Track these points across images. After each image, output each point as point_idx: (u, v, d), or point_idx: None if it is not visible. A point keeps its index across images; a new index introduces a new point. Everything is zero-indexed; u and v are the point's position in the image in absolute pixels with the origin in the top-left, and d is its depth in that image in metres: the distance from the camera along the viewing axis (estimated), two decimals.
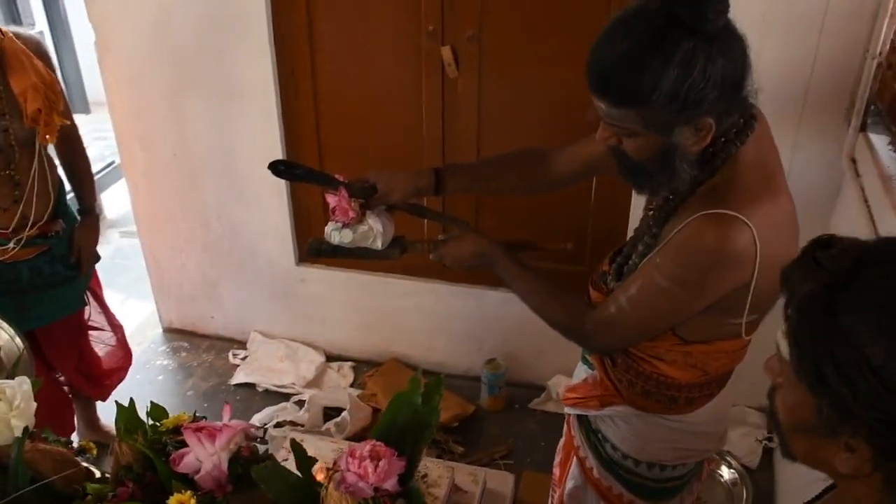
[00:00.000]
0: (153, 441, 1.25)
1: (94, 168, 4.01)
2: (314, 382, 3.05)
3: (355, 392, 2.94)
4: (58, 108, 2.15)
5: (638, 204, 2.43)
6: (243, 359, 3.19)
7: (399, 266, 3.03)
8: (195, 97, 2.80)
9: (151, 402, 1.34)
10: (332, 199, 1.56)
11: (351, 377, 3.11)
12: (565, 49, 2.39)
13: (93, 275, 2.48)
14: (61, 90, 2.24)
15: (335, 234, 1.58)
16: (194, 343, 3.32)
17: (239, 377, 3.08)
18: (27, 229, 2.16)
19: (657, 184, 1.31)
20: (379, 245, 1.58)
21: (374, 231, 1.56)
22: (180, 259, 3.21)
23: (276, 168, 1.60)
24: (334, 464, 1.17)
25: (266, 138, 2.79)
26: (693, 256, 1.27)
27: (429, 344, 3.07)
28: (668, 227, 1.35)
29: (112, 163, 4.10)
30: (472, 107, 2.57)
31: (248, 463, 1.18)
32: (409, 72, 2.57)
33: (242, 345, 3.27)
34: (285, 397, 2.97)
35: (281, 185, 2.88)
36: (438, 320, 3.02)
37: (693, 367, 1.44)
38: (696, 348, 1.42)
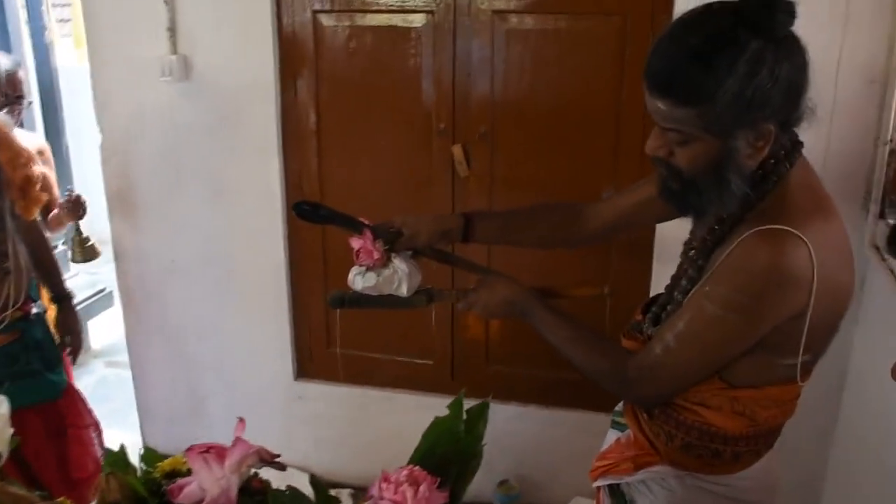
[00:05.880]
0: (146, 481, 1.07)
1: (83, 295, 3.92)
2: None
3: None
4: (49, 189, 2.09)
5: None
6: None
7: (404, 380, 2.88)
8: (195, 201, 2.75)
9: (145, 447, 1.17)
10: (356, 242, 1.51)
11: None
12: (579, 144, 2.40)
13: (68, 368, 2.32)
14: (51, 185, 2.20)
15: (359, 278, 1.51)
16: None
17: None
18: (10, 309, 2.02)
19: (706, 201, 1.24)
20: (404, 291, 1.50)
21: (400, 273, 1.49)
22: (169, 375, 3.02)
23: (299, 209, 1.58)
24: (367, 492, 1.00)
25: (269, 243, 2.72)
26: (746, 276, 1.18)
27: None
28: (714, 256, 1.27)
29: (103, 290, 3.97)
30: (484, 206, 2.53)
31: (258, 496, 1.01)
32: (420, 171, 2.55)
33: None
34: None
35: (283, 294, 2.78)
36: None
37: (741, 414, 1.32)
38: (743, 393, 1.30)
